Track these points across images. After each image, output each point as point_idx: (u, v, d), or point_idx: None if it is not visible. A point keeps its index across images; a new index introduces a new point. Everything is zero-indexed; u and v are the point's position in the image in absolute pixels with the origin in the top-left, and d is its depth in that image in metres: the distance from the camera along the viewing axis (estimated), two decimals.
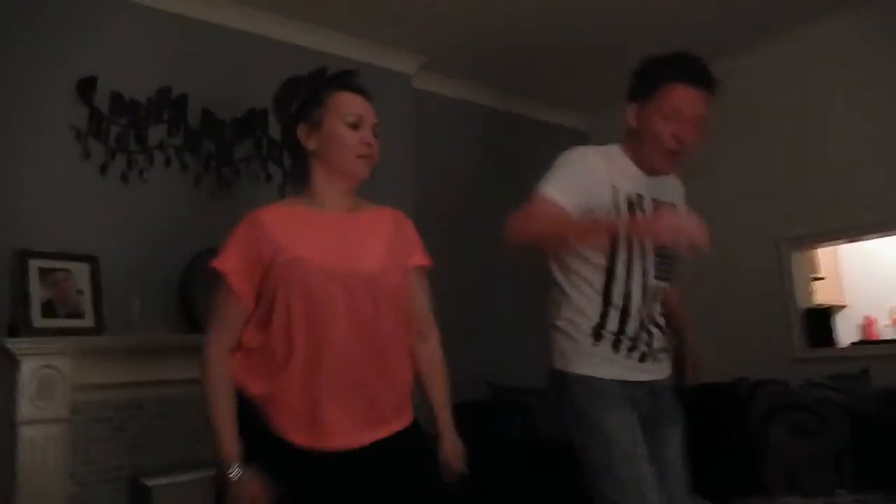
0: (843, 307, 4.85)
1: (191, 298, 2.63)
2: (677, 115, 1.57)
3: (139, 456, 2.40)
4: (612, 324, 1.63)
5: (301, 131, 1.46)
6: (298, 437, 1.32)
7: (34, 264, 2.33)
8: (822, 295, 4.34)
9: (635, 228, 1.57)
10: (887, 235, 3.60)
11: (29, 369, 2.17)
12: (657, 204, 1.68)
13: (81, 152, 2.52)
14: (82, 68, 2.54)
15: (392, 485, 1.36)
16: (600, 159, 1.64)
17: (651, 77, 1.62)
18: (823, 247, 4.13)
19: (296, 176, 1.54)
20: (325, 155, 1.44)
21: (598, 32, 3.44)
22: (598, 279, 1.64)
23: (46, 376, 2.21)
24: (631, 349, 1.65)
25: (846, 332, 4.62)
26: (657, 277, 1.67)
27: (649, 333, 1.68)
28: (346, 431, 1.33)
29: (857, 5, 3.25)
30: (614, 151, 1.69)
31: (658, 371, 1.72)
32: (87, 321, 2.40)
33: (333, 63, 3.24)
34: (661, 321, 1.73)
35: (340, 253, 1.39)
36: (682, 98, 1.57)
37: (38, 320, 2.27)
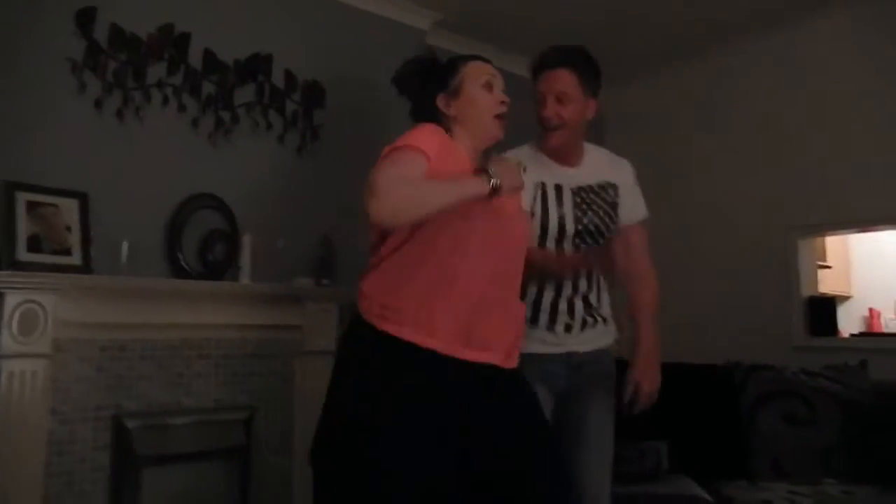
0: (848, 297, 4.78)
1: (179, 243, 2.58)
2: (543, 98, 1.81)
3: (120, 397, 2.38)
4: (529, 297, 1.79)
5: (441, 101, 1.62)
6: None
7: (21, 197, 2.28)
8: (828, 284, 4.26)
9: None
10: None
11: (11, 303, 2.14)
12: (580, 189, 1.85)
13: (77, 85, 2.44)
14: None
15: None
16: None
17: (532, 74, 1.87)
18: (832, 235, 4.04)
19: None
20: (464, 119, 1.60)
21: (619, 4, 3.33)
22: None
23: (29, 311, 2.17)
24: (551, 322, 1.80)
25: (850, 322, 4.56)
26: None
27: (571, 307, 1.80)
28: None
29: None
30: (525, 150, 1.89)
31: (579, 343, 1.80)
32: (75, 259, 2.36)
33: (346, 14, 3.19)
34: (593, 298, 1.85)
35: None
36: (541, 80, 1.83)
37: (22, 254, 2.23)
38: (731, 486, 2.45)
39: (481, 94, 1.60)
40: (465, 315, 1.46)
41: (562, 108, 1.80)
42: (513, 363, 1.56)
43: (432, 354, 1.43)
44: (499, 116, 1.60)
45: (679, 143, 3.96)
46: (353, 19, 3.22)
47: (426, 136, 1.50)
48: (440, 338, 1.44)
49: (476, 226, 1.49)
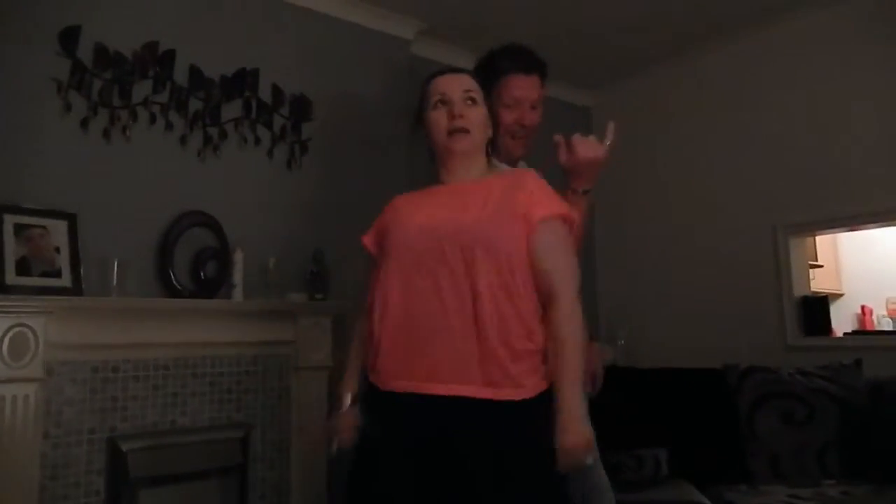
0: (840, 295, 4.81)
1: (171, 261, 2.56)
2: (514, 102, 1.73)
3: (114, 419, 2.35)
4: None
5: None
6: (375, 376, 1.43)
7: (9, 220, 2.25)
8: (819, 283, 4.29)
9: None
10: (887, 225, 3.53)
11: (1, 328, 2.11)
12: None
13: (62, 106, 2.43)
14: (66, 17, 2.44)
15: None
16: None
17: (488, 72, 1.74)
18: (822, 234, 4.07)
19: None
20: (431, 142, 1.55)
21: (603, 10, 3.36)
22: None
23: (19, 335, 2.14)
24: None
25: (842, 320, 4.58)
26: None
27: None
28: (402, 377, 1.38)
29: None
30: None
31: None
32: (64, 280, 2.33)
33: (330, 26, 3.19)
34: None
35: (437, 212, 1.43)
36: (518, 86, 1.73)
37: (11, 277, 2.21)
38: (732, 490, 2.45)
39: (432, 117, 1.51)
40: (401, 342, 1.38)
41: (535, 116, 1.77)
42: (502, 394, 1.30)
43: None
44: (452, 132, 1.48)
45: (669, 145, 3.97)
46: (338, 31, 3.22)
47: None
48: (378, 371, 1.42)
49: (389, 246, 1.45)
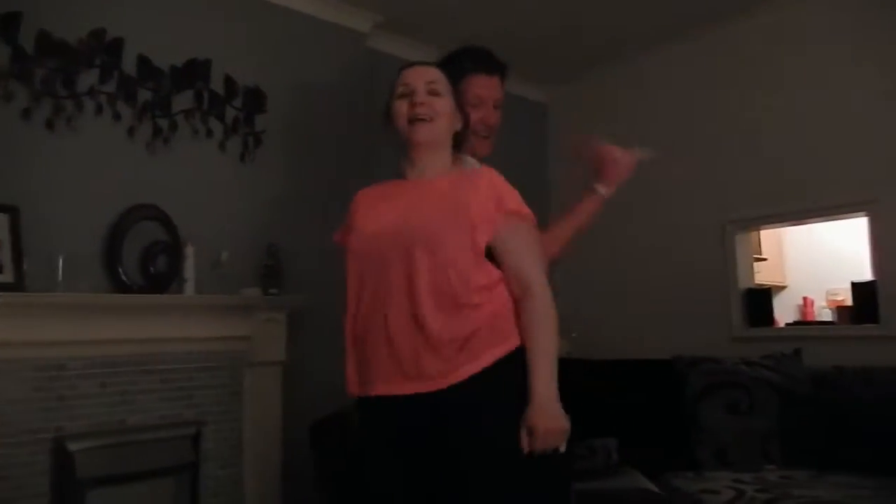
0: (783, 287, 4.98)
1: (119, 256, 2.50)
2: (479, 101, 1.72)
3: (60, 418, 2.29)
4: None
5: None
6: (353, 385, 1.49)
7: None
8: (764, 275, 4.44)
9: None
10: (829, 219, 3.68)
11: None
12: None
13: (2, 95, 2.33)
14: (6, 2, 2.35)
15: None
16: None
17: (451, 72, 1.69)
18: (767, 229, 4.21)
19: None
20: (397, 133, 1.52)
21: (562, 6, 3.39)
22: None
23: None
24: None
25: (785, 312, 4.75)
26: None
27: None
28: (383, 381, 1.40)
29: None
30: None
31: None
32: (6, 276, 2.25)
33: (284, 18, 3.14)
34: None
35: (390, 215, 1.45)
36: (481, 85, 1.73)
37: None
38: (679, 477, 2.53)
39: (395, 106, 1.51)
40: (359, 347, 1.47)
41: (498, 116, 1.78)
42: (438, 383, 1.34)
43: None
44: (412, 120, 1.47)
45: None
46: (292, 23, 3.18)
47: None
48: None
49: (348, 252, 1.51)
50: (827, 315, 4.84)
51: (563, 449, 1.36)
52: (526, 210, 1.47)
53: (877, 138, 3.07)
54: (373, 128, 3.57)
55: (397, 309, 1.37)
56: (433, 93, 1.50)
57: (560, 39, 3.72)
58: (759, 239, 4.60)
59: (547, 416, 1.33)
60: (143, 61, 2.66)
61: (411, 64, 1.59)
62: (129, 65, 2.62)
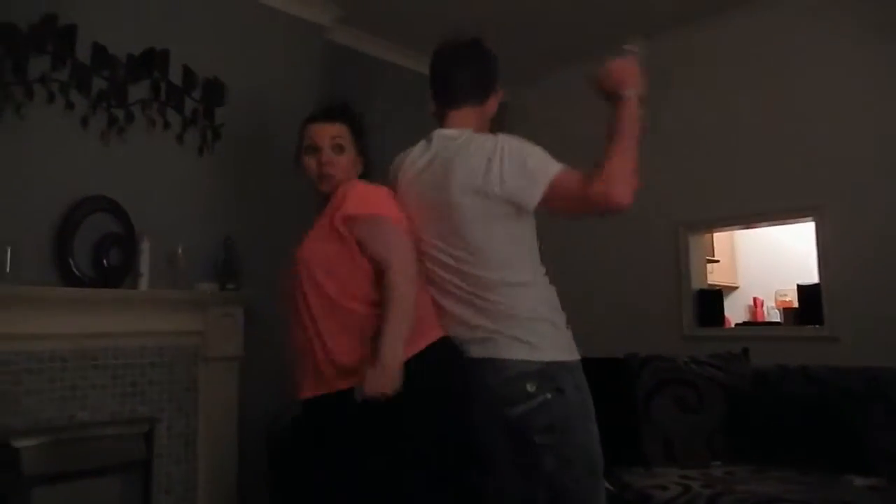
0: (735, 288, 5.13)
1: (70, 248, 2.44)
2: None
3: (5, 414, 2.23)
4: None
5: None
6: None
7: None
8: (716, 277, 4.57)
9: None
10: (778, 224, 3.80)
11: None
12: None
13: None
14: None
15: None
16: None
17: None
18: (720, 231, 4.33)
19: None
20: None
21: (524, 5, 3.41)
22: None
23: None
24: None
25: (736, 312, 4.90)
26: None
27: None
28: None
29: None
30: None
31: None
32: None
33: (245, 9, 3.10)
34: None
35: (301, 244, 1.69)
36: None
37: None
38: (629, 472, 2.60)
39: (305, 161, 1.78)
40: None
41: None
42: (318, 388, 1.59)
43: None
44: (321, 177, 1.74)
45: (571, 143, 4.07)
46: (254, 15, 3.13)
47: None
48: None
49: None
50: (776, 315, 5.01)
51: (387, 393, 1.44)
52: (377, 211, 1.63)
53: (825, 146, 3.19)
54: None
55: (300, 327, 1.64)
56: (337, 148, 1.74)
57: (522, 39, 3.74)
58: (713, 241, 4.73)
59: (386, 373, 1.45)
60: (97, 49, 2.59)
61: (315, 117, 1.81)
62: (83, 52, 2.56)
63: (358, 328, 1.55)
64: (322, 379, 1.56)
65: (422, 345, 1.54)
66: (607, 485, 2.48)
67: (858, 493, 2.24)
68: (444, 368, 1.56)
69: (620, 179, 1.54)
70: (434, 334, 1.59)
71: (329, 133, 1.75)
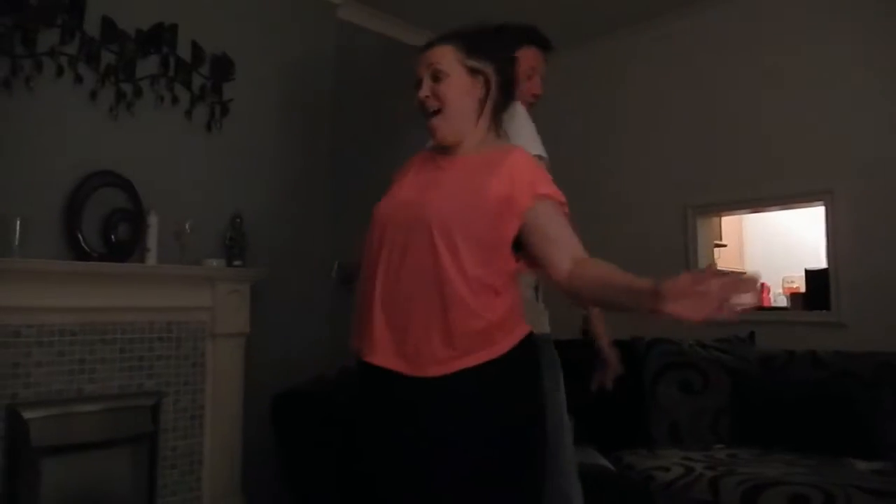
0: (742, 274, 5.11)
1: (79, 222, 2.45)
2: (532, 72, 1.96)
3: (16, 386, 2.25)
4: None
5: None
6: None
7: None
8: (723, 261, 4.55)
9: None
10: (787, 208, 3.77)
11: None
12: None
13: None
14: None
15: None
16: None
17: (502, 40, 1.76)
18: (728, 215, 4.30)
19: None
20: None
21: None
22: None
23: None
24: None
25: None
26: None
27: None
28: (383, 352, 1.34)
29: None
30: None
31: None
32: None
33: None
34: None
35: (410, 191, 1.43)
36: (534, 58, 1.98)
37: None
38: (632, 454, 2.61)
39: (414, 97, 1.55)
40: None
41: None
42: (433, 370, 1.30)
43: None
44: (427, 116, 1.46)
45: (577, 125, 4.06)
46: None
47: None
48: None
49: (375, 215, 1.49)
50: (782, 301, 4.98)
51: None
52: (558, 193, 1.41)
53: (835, 132, 3.15)
54: (341, 100, 3.55)
55: (415, 286, 1.33)
56: (437, 76, 1.43)
57: (535, 19, 3.69)
58: (721, 225, 4.70)
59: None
60: (107, 23, 2.58)
61: (422, 48, 1.51)
62: (92, 26, 2.55)
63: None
64: (439, 351, 1.30)
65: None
66: (608, 464, 2.50)
67: (861, 475, 2.25)
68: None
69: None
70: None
71: (426, 61, 1.45)
